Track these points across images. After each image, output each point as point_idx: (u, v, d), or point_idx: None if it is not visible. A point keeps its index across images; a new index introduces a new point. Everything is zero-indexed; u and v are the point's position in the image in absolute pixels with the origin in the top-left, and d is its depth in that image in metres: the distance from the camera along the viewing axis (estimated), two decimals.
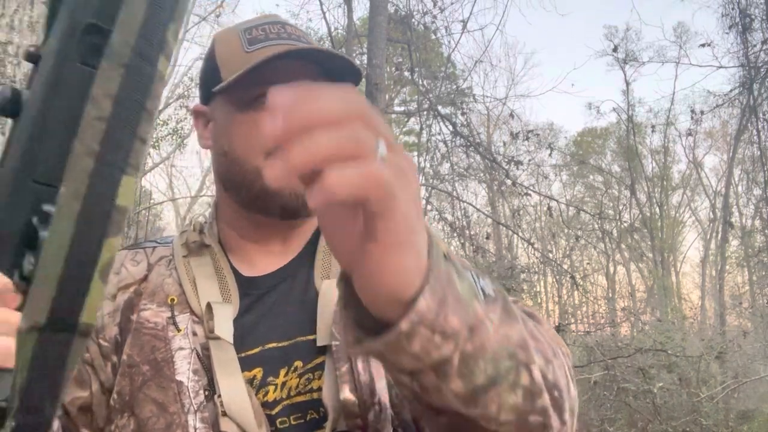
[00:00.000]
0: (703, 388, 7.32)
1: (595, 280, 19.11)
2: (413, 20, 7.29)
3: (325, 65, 0.84)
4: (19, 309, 0.41)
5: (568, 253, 16.49)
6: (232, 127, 0.84)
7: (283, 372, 0.77)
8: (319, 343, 0.77)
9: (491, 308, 0.52)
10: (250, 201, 0.84)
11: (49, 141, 0.41)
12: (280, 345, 0.78)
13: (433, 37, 8.00)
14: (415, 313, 0.44)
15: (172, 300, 0.81)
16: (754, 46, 7.84)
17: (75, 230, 0.42)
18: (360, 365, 0.74)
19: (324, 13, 7.51)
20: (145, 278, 0.85)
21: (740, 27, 7.91)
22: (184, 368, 0.76)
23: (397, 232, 0.41)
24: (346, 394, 0.72)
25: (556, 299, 17.67)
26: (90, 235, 0.43)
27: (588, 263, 18.90)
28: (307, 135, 0.36)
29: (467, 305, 0.48)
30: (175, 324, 0.79)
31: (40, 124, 0.41)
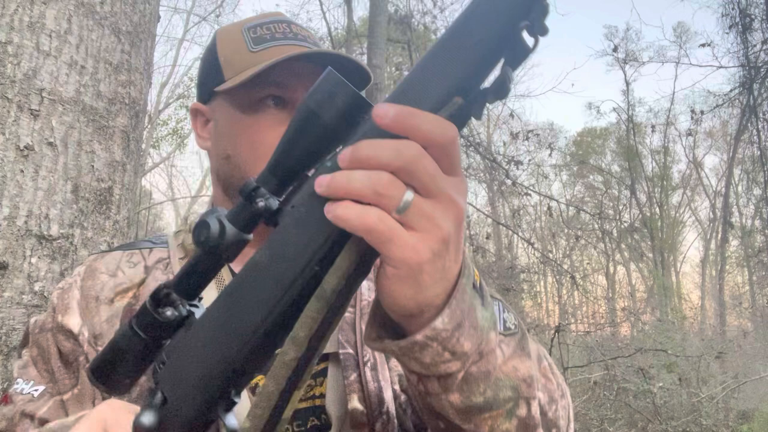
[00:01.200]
0: (703, 388, 7.32)
1: (595, 280, 19.09)
2: (413, 20, 7.29)
3: (334, 68, 0.82)
4: None
5: (568, 253, 16.47)
6: (236, 130, 0.81)
7: None
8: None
9: (506, 340, 0.57)
10: None
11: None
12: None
13: (433, 37, 8.00)
14: (431, 329, 0.48)
15: None
16: (754, 46, 7.84)
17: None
18: (369, 374, 0.74)
19: (324, 13, 7.52)
20: (142, 282, 0.83)
21: (740, 27, 7.90)
22: None
23: (396, 270, 0.44)
24: (355, 403, 0.72)
25: (556, 299, 17.64)
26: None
27: (588, 263, 18.89)
28: (351, 171, 0.43)
29: (483, 333, 0.52)
30: None
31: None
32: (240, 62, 0.80)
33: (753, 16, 7.81)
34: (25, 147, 1.37)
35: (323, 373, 0.76)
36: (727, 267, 16.11)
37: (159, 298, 0.53)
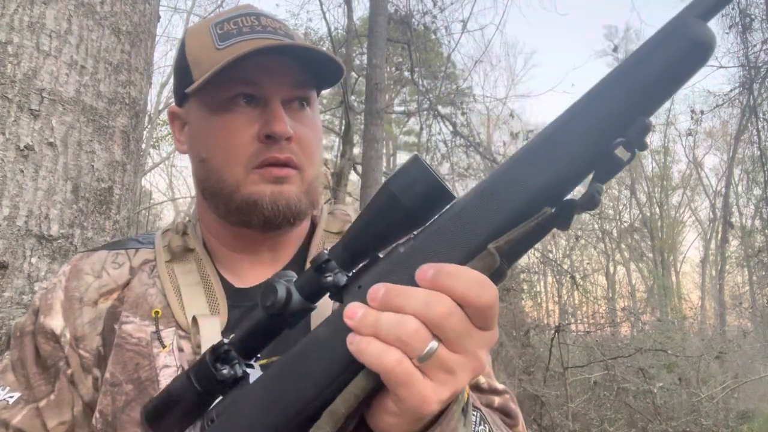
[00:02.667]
0: (703, 388, 7.31)
1: (595, 280, 19.07)
2: (413, 20, 7.28)
3: (303, 58, 0.78)
4: None
5: (568, 253, 16.47)
6: (208, 133, 0.78)
7: None
8: None
9: None
10: (230, 213, 0.78)
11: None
12: (271, 362, 0.75)
13: (433, 37, 7.99)
14: None
15: (157, 313, 0.76)
16: (754, 46, 7.83)
17: None
18: None
19: (324, 13, 7.51)
20: (127, 284, 0.80)
21: (740, 27, 7.90)
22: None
23: (398, 408, 0.45)
24: None
25: (556, 299, 17.64)
26: None
27: (588, 263, 18.88)
28: (380, 313, 0.45)
29: None
30: (159, 339, 0.75)
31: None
32: (206, 61, 0.76)
33: (753, 16, 7.80)
34: (25, 147, 1.37)
35: None
36: (727, 267, 16.11)
37: (218, 354, 0.54)
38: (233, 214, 0.78)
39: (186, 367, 0.72)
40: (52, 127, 1.41)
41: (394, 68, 8.38)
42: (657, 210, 18.72)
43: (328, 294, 0.51)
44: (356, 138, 8.26)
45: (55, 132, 1.42)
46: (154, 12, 1.78)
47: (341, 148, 8.01)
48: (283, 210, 0.76)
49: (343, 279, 0.50)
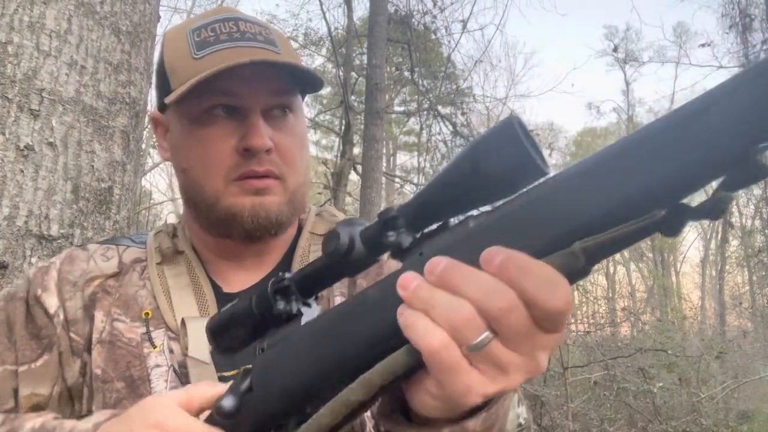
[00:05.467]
0: (703, 388, 7.32)
1: (595, 280, 19.08)
2: (413, 20, 7.28)
3: (282, 69, 0.77)
4: None
5: None
6: (188, 143, 0.77)
7: None
8: None
9: None
10: (211, 225, 0.79)
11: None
12: (237, 374, 0.76)
13: (433, 37, 8.00)
14: (461, 428, 0.46)
15: (147, 314, 0.77)
16: (754, 46, 7.84)
17: None
18: None
19: (324, 13, 7.51)
20: (114, 275, 0.81)
21: (740, 27, 7.90)
22: (161, 387, 0.72)
23: (440, 394, 0.42)
24: None
25: None
26: None
27: None
28: (436, 289, 0.40)
29: None
30: (150, 340, 0.75)
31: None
32: (183, 71, 0.75)
33: (753, 16, 7.81)
34: (25, 147, 1.37)
35: None
36: (727, 267, 16.11)
37: (279, 286, 0.53)
38: (214, 225, 0.78)
39: (177, 367, 0.73)
40: (52, 127, 1.41)
41: (394, 68, 8.38)
42: None
43: (389, 252, 0.47)
44: (356, 138, 8.26)
45: (55, 132, 1.42)
46: (154, 12, 1.78)
47: (341, 148, 8.00)
48: (263, 222, 0.76)
49: (406, 241, 0.46)
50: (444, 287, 0.40)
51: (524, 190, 0.41)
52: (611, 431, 6.35)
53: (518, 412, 0.58)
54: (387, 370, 0.42)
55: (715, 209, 0.35)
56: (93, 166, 1.49)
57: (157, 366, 0.73)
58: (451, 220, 0.46)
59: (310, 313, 0.54)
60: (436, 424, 0.46)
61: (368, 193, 5.62)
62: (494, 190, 0.42)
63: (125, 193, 1.59)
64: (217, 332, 0.57)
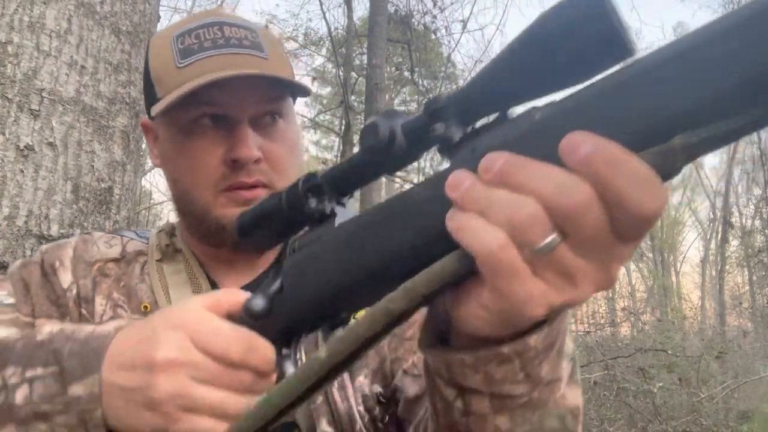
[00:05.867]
0: (703, 388, 7.31)
1: None
2: (413, 20, 7.29)
3: (262, 85, 0.75)
4: None
5: None
6: (176, 153, 0.77)
7: None
8: None
9: (567, 368, 0.51)
10: (203, 234, 0.79)
11: None
12: None
13: (433, 37, 8.00)
14: (522, 344, 0.41)
15: (146, 307, 0.78)
16: None
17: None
18: (336, 394, 0.71)
19: (324, 13, 7.52)
20: (115, 260, 0.82)
21: None
22: None
23: (495, 305, 0.37)
24: (324, 426, 0.69)
25: None
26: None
27: None
28: (493, 189, 0.35)
29: (560, 360, 0.46)
30: None
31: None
32: (168, 80, 0.75)
33: None
34: (25, 147, 1.37)
35: None
36: (727, 267, 16.12)
37: (310, 184, 0.50)
38: (206, 236, 0.79)
39: None
40: (52, 127, 1.41)
41: (394, 68, 8.39)
42: None
43: (436, 147, 0.42)
44: (356, 138, 8.26)
45: (55, 132, 1.42)
46: (154, 12, 1.78)
47: (341, 148, 8.01)
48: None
49: (456, 134, 0.40)
50: (504, 186, 0.34)
51: (607, 73, 0.34)
52: (611, 431, 6.35)
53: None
54: (433, 278, 0.37)
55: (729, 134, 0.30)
56: (93, 166, 1.49)
57: None
58: (511, 111, 0.39)
59: (345, 213, 0.50)
60: (491, 345, 0.42)
61: (368, 194, 5.63)
62: (567, 74, 0.35)
63: (125, 193, 1.59)
64: (245, 230, 0.54)
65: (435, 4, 7.47)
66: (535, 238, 0.33)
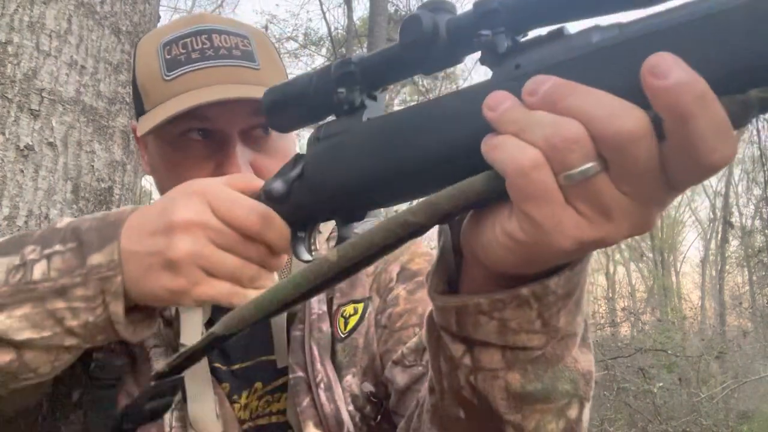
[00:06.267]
0: (703, 388, 7.32)
1: (595, 280, 19.09)
2: None
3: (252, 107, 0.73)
4: None
5: None
6: (165, 166, 0.75)
7: (245, 393, 0.74)
8: (279, 365, 0.73)
9: (582, 326, 0.48)
10: None
11: None
12: (243, 366, 0.75)
13: None
14: (542, 286, 0.39)
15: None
16: None
17: None
18: (323, 396, 0.69)
19: (324, 13, 7.53)
20: None
21: None
22: (162, 364, 0.73)
23: (521, 236, 0.35)
24: (311, 429, 0.69)
25: None
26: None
27: None
28: (534, 112, 0.33)
29: (578, 313, 0.44)
30: None
31: None
32: (154, 92, 0.73)
33: None
34: (25, 147, 1.37)
35: (281, 388, 0.73)
36: (727, 267, 16.13)
37: (343, 71, 0.46)
38: None
39: (172, 351, 0.74)
40: (52, 127, 1.41)
41: None
42: None
43: (480, 54, 0.39)
44: None
45: (55, 132, 1.42)
46: (154, 12, 1.78)
47: None
48: None
49: (503, 44, 0.37)
50: (548, 109, 0.32)
51: (681, 4, 0.30)
52: (611, 431, 6.36)
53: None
54: (459, 195, 0.35)
55: None
56: (93, 166, 1.49)
57: (156, 346, 0.74)
58: (567, 26, 0.36)
59: (375, 108, 0.47)
60: (508, 286, 0.40)
61: None
62: None
63: (125, 193, 1.59)
64: (272, 108, 0.52)
65: None
66: (572, 162, 0.31)
